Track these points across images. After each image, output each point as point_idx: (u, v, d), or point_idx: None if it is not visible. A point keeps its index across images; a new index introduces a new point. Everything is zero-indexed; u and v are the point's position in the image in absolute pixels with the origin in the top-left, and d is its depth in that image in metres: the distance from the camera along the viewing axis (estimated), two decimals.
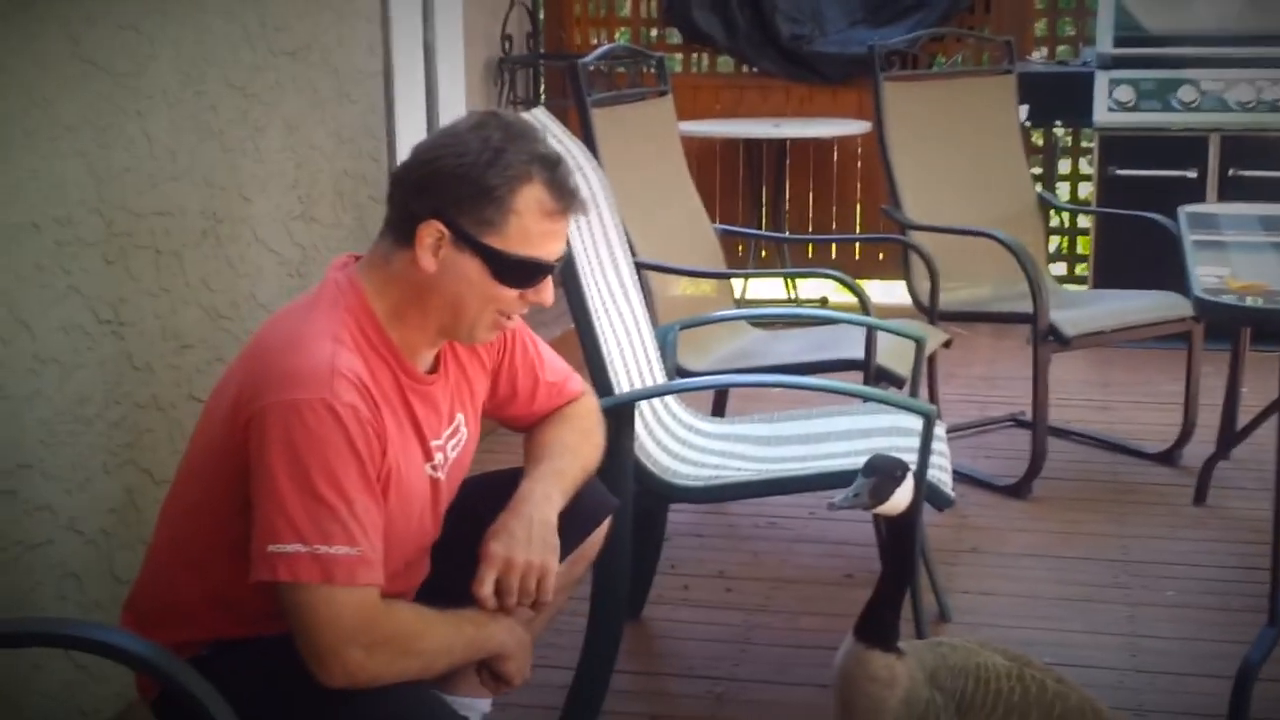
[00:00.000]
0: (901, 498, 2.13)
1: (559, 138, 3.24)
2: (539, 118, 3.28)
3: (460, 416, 2.23)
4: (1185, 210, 4.11)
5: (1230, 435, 4.20)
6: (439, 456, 2.17)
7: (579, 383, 2.48)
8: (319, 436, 1.93)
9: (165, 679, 1.78)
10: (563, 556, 2.22)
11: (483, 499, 2.24)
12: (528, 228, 2.06)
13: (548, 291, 2.13)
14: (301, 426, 1.93)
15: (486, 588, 2.09)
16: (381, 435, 2.01)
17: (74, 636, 1.92)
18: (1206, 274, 3.27)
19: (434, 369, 2.19)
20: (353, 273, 2.13)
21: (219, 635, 2.09)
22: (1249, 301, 3.09)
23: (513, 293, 2.10)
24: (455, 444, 2.22)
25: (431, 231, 2.04)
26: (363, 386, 2.00)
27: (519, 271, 2.08)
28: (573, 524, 2.31)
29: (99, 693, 2.86)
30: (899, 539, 2.19)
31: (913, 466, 2.87)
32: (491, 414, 2.38)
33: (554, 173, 2.08)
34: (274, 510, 1.92)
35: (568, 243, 2.20)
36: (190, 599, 2.11)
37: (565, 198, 2.09)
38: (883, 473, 2.13)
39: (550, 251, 2.10)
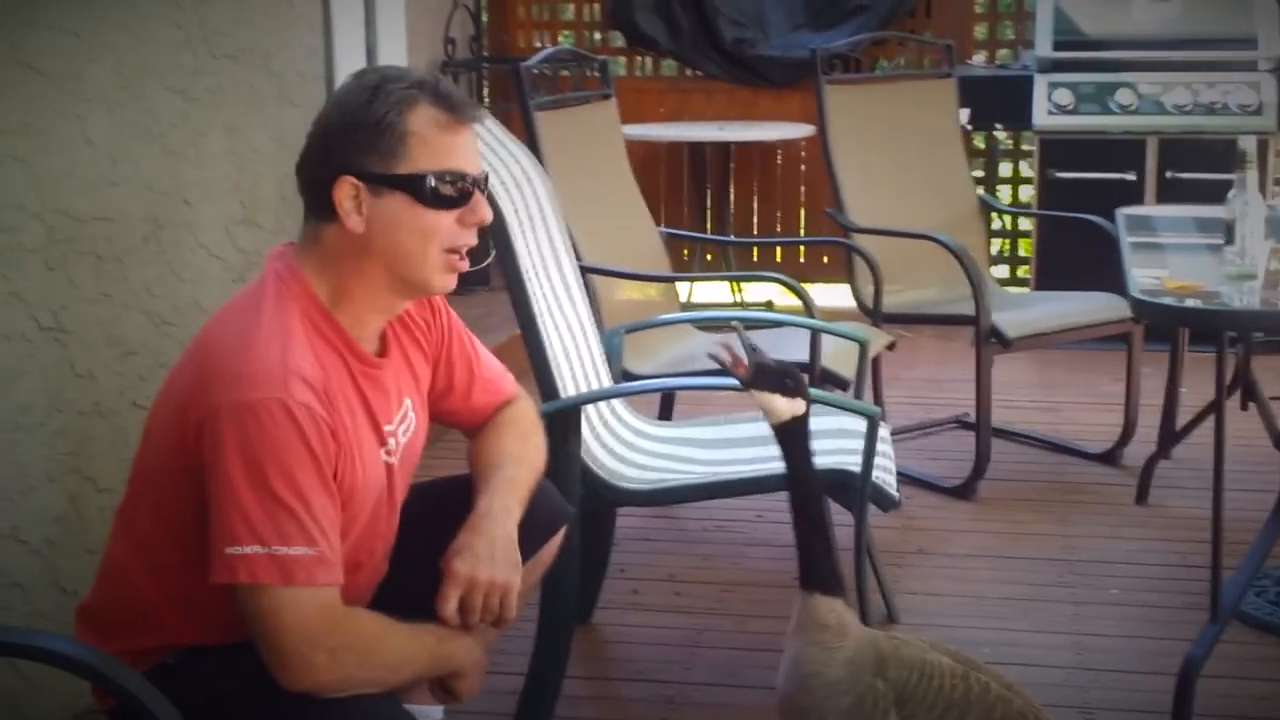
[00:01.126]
0: (778, 403, 2.10)
1: (502, 141, 3.24)
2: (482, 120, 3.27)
3: (408, 401, 2.21)
4: (1123, 212, 4.16)
5: (1170, 435, 4.25)
6: (391, 442, 2.15)
7: (513, 384, 2.46)
8: (274, 437, 1.91)
9: (118, 691, 1.76)
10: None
11: (434, 509, 2.22)
12: (429, 142, 2.03)
13: (483, 208, 2.10)
14: (256, 427, 1.91)
15: (451, 606, 2.07)
16: (336, 432, 1.99)
17: (28, 646, 1.89)
18: (1144, 275, 3.31)
19: (382, 352, 2.17)
20: (291, 261, 2.10)
21: (182, 641, 2.07)
22: (1186, 302, 3.13)
23: (448, 217, 2.06)
24: (405, 429, 2.19)
25: (345, 190, 2.02)
26: (316, 382, 1.98)
27: (442, 191, 2.05)
28: (529, 532, 2.29)
29: (44, 704, 2.83)
30: (791, 473, 2.15)
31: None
32: (431, 408, 2.35)
33: (436, 88, 2.05)
34: (231, 512, 1.91)
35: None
36: (150, 604, 2.08)
37: (456, 106, 2.06)
38: (781, 371, 2.09)
39: (466, 164, 2.07)
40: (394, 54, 5.34)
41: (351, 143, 2.02)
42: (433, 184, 2.04)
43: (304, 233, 2.11)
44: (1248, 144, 3.49)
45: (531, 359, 3.03)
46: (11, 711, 2.76)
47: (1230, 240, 3.37)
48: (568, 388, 3.06)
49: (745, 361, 2.11)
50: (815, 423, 3.25)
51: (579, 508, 2.88)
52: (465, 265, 2.13)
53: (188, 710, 1.84)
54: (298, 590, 1.91)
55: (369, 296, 2.09)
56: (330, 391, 2.01)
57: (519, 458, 2.32)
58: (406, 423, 2.20)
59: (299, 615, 1.92)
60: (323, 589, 1.94)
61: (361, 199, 2.03)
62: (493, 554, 2.11)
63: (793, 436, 2.15)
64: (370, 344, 2.14)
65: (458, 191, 2.06)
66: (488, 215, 2.11)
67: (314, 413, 1.95)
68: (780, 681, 2.15)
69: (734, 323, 2.21)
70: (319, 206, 2.06)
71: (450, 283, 2.14)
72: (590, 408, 3.14)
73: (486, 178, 2.13)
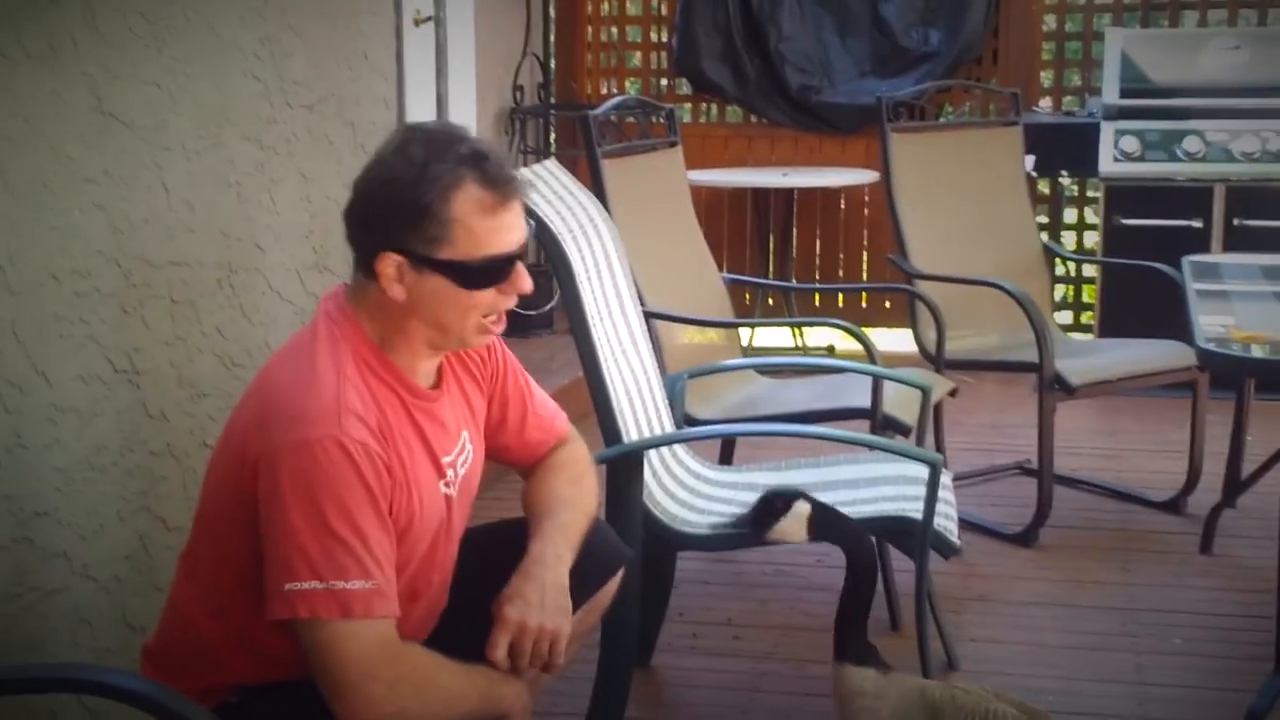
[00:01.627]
0: (788, 526, 2.16)
1: (569, 188, 3.29)
2: (550, 169, 3.33)
3: (465, 434, 2.25)
4: (1189, 260, 4.15)
5: (1235, 484, 4.22)
6: (450, 474, 2.19)
7: (566, 422, 2.50)
8: (330, 474, 1.96)
9: None
10: (576, 606, 2.24)
11: (489, 553, 2.26)
12: (474, 229, 2.05)
13: (523, 280, 2.13)
14: (313, 465, 1.96)
15: (500, 651, 2.11)
16: (392, 467, 2.04)
17: (96, 682, 1.94)
18: (1210, 323, 3.31)
19: (436, 384, 2.21)
20: (343, 302, 2.15)
21: (243, 680, 2.12)
22: (1253, 352, 3.12)
23: (488, 293, 2.11)
24: (464, 460, 2.24)
25: (388, 263, 2.06)
26: (372, 420, 2.02)
27: (483, 274, 2.08)
28: (586, 574, 2.33)
29: None
30: (848, 553, 2.21)
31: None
32: (484, 442, 2.39)
33: (483, 168, 2.06)
34: (289, 548, 1.95)
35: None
36: (212, 644, 2.13)
37: (501, 187, 2.07)
38: (766, 505, 2.21)
39: (507, 243, 2.09)
40: (464, 102, 5.44)
41: (394, 221, 2.05)
42: (476, 270, 2.07)
43: (354, 277, 2.16)
44: None
45: (595, 402, 3.07)
46: None
47: None
48: (630, 432, 3.09)
49: (748, 528, 2.27)
50: (876, 470, 3.32)
51: (640, 551, 2.91)
52: (501, 327, 2.18)
53: None
54: (355, 623, 1.95)
55: (411, 346, 2.14)
56: (385, 427, 2.05)
57: (571, 502, 2.35)
58: (465, 455, 2.24)
59: (357, 647, 1.96)
60: (379, 621, 1.98)
61: (404, 272, 2.07)
62: (543, 601, 2.14)
63: (826, 529, 2.21)
64: (426, 379, 2.19)
65: (499, 271, 2.10)
66: (528, 287, 2.14)
67: (369, 449, 1.99)
68: None
69: None
70: (364, 267, 2.10)
71: (487, 340, 2.21)
72: (653, 452, 3.17)
73: (524, 247, 2.14)
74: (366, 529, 1.97)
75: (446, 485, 2.19)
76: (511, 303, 2.15)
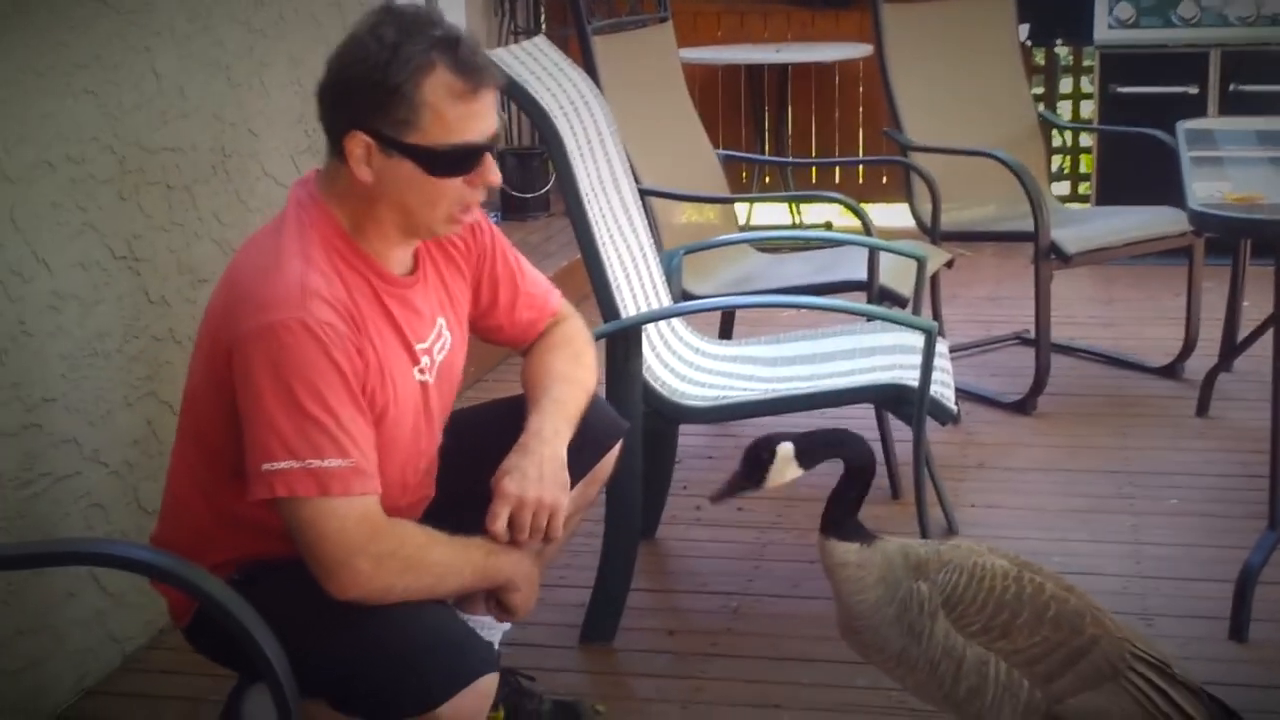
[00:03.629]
0: (779, 469, 2.24)
1: (560, 65, 3.27)
2: (539, 45, 3.31)
3: (442, 320, 2.25)
4: (1184, 126, 4.13)
5: (1231, 348, 4.25)
6: (425, 360, 2.19)
7: (559, 299, 2.50)
8: (298, 355, 1.97)
9: (197, 592, 1.84)
10: (575, 480, 2.26)
11: (487, 431, 2.28)
12: (444, 115, 2.03)
13: (492, 172, 2.11)
14: (280, 347, 1.97)
15: (500, 523, 2.13)
16: (362, 350, 2.05)
17: (109, 555, 1.98)
18: (1204, 188, 3.31)
19: (413, 272, 2.21)
20: (313, 188, 2.14)
21: (242, 556, 2.15)
22: (1245, 214, 3.13)
23: (455, 182, 2.09)
24: (441, 348, 2.24)
25: (357, 143, 2.05)
26: (338, 302, 2.03)
27: (451, 162, 2.07)
28: (584, 448, 2.35)
29: (130, 619, 2.94)
30: (844, 458, 2.26)
31: (914, 378, 2.93)
32: (475, 324, 2.39)
33: (456, 53, 2.04)
34: (264, 430, 1.97)
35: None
36: (206, 524, 2.17)
37: (473, 75, 2.05)
38: (752, 461, 2.27)
39: (477, 131, 2.07)
40: None
41: (365, 101, 2.03)
42: (444, 156, 2.05)
43: (327, 161, 2.15)
44: None
45: (592, 280, 3.08)
46: (97, 627, 2.87)
47: None
48: (628, 308, 3.11)
49: (738, 487, 2.30)
50: (873, 340, 3.34)
51: (641, 426, 2.94)
52: (471, 217, 2.17)
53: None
54: (335, 500, 1.98)
55: (381, 231, 2.13)
56: (355, 312, 2.06)
57: (570, 378, 2.36)
58: (442, 341, 2.24)
59: (339, 524, 1.98)
60: (360, 498, 2.00)
61: (371, 154, 2.05)
62: (541, 474, 2.16)
63: (813, 455, 2.27)
64: (399, 265, 2.18)
65: (467, 160, 2.08)
66: (496, 179, 2.12)
67: (336, 329, 2.00)
68: (837, 613, 2.26)
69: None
70: (333, 147, 2.09)
71: (455, 229, 2.19)
72: (651, 327, 3.19)
73: (495, 138, 2.12)
74: (339, 408, 1.99)
75: (421, 372, 2.19)
76: (480, 195, 2.14)
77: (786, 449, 2.25)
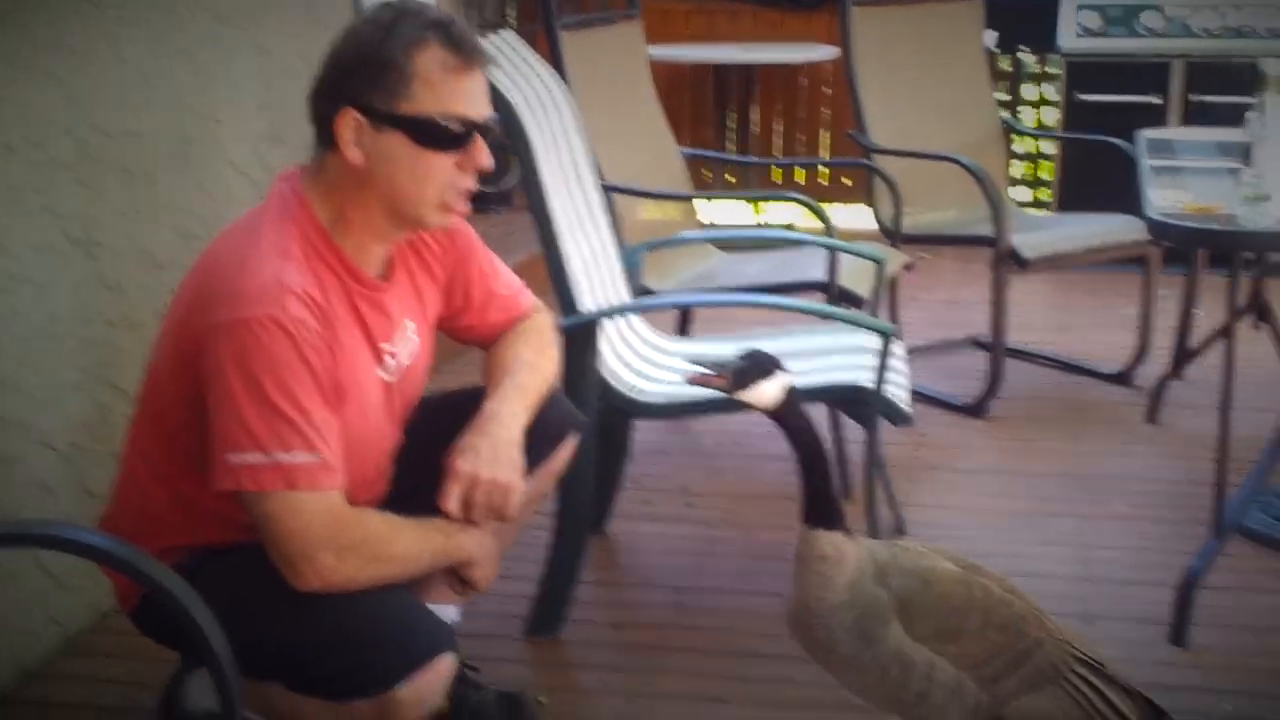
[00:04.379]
0: (766, 391, 2.15)
1: (527, 60, 3.29)
2: (507, 40, 3.32)
3: (410, 324, 2.28)
4: (1144, 135, 4.18)
5: (1183, 355, 4.30)
6: (390, 361, 2.22)
7: (531, 298, 2.53)
8: (270, 351, 1.99)
9: (143, 578, 1.85)
10: (530, 470, 2.29)
11: (446, 417, 2.29)
12: (435, 86, 2.07)
13: (483, 154, 2.14)
14: (253, 342, 1.99)
15: (453, 503, 2.16)
16: (332, 347, 2.07)
17: (56, 537, 1.98)
18: (1163, 197, 3.35)
19: (386, 275, 2.23)
20: (297, 184, 2.16)
21: (193, 543, 2.16)
22: (1201, 224, 3.17)
23: (446, 160, 2.11)
24: (408, 352, 2.27)
25: (348, 122, 2.07)
26: (310, 300, 2.04)
27: (441, 132, 2.09)
28: (540, 439, 2.37)
29: (71, 602, 2.93)
30: (791, 436, 2.23)
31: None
32: (446, 325, 2.42)
33: (449, 31, 2.09)
34: (231, 421, 1.99)
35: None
36: (160, 509, 2.18)
37: (466, 50, 2.10)
38: (753, 362, 2.16)
39: (469, 109, 2.11)
40: None
41: (359, 76, 2.07)
42: (433, 126, 2.08)
43: (313, 157, 2.17)
44: (1268, 66, 3.50)
45: (552, 275, 3.09)
46: (39, 610, 2.87)
47: (1248, 163, 3.40)
48: (586, 303, 3.12)
49: (724, 381, 2.17)
50: (831, 340, 3.36)
51: (596, 420, 2.96)
52: (463, 208, 2.19)
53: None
54: (301, 494, 2.00)
55: (367, 224, 2.15)
56: (327, 309, 2.07)
57: (531, 365, 2.39)
58: (409, 345, 2.27)
59: (304, 519, 2.00)
60: (326, 493, 2.02)
61: (362, 132, 2.08)
62: (495, 455, 2.19)
63: (791, 407, 2.20)
64: (373, 267, 2.20)
65: (458, 135, 2.11)
66: (487, 161, 2.15)
67: (308, 327, 2.02)
68: (790, 605, 2.24)
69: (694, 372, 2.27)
70: (324, 134, 2.12)
71: (446, 221, 2.20)
72: (609, 323, 3.20)
73: (489, 123, 2.15)
74: (308, 404, 2.01)
75: (386, 372, 2.22)
76: (471, 182, 2.16)
77: (787, 379, 2.19)
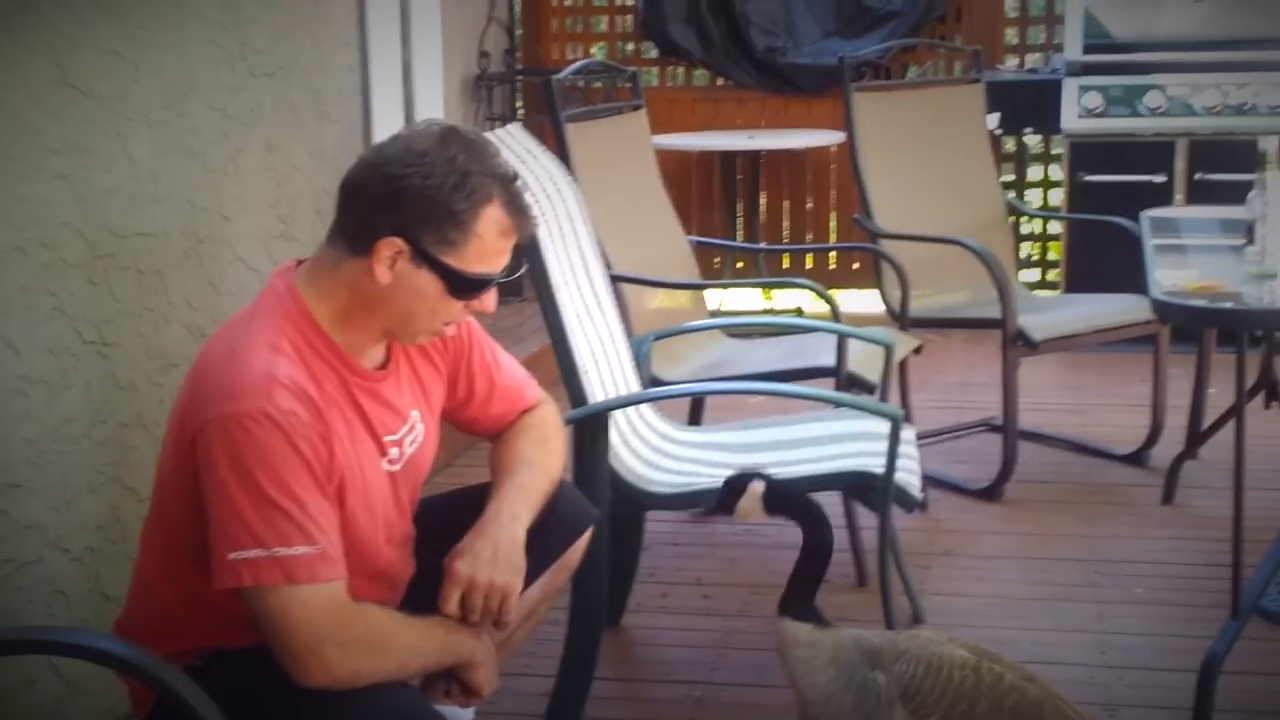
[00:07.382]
0: (745, 504, 2.32)
1: (533, 152, 3.31)
2: (512, 132, 3.35)
3: (415, 414, 2.28)
4: (1148, 215, 4.20)
5: (1196, 435, 4.28)
6: (394, 451, 2.22)
7: (536, 391, 2.53)
8: (263, 445, 1.99)
9: (157, 684, 1.83)
10: (543, 567, 2.29)
11: (451, 519, 2.29)
12: (486, 247, 2.13)
13: (491, 300, 2.20)
14: (245, 437, 1.99)
15: (451, 605, 2.15)
16: (326, 438, 2.06)
17: (73, 644, 1.97)
18: (1168, 276, 3.36)
19: (384, 365, 2.25)
20: (291, 279, 2.18)
21: (206, 645, 2.15)
22: (1204, 302, 3.17)
23: (459, 304, 2.17)
24: (412, 440, 2.27)
25: (391, 246, 2.09)
26: (301, 391, 2.05)
27: (470, 287, 2.15)
28: (553, 534, 2.37)
29: (89, 707, 2.91)
30: (800, 525, 2.29)
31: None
32: (450, 416, 2.43)
33: (511, 191, 2.14)
34: (228, 518, 1.99)
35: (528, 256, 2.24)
36: (172, 611, 2.17)
37: (520, 217, 2.16)
38: (728, 488, 2.35)
39: (500, 266, 2.18)
40: (430, 69, 5.43)
41: (421, 214, 2.09)
42: (467, 281, 2.14)
43: (324, 251, 2.18)
44: (1268, 144, 3.52)
45: (561, 367, 3.10)
46: (54, 715, 2.85)
47: (1251, 240, 3.41)
48: (596, 394, 3.12)
49: (718, 509, 2.42)
50: (841, 427, 3.36)
51: (608, 512, 2.95)
52: (449, 332, 2.27)
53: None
54: (302, 588, 1.99)
55: (365, 327, 2.18)
56: (321, 401, 2.08)
57: (534, 463, 2.39)
58: (414, 435, 2.28)
59: (306, 612, 1.99)
60: (327, 585, 2.01)
61: (399, 260, 2.10)
62: (495, 557, 2.18)
63: (778, 504, 2.33)
64: (371, 359, 2.22)
65: (483, 288, 2.17)
66: (492, 308, 2.22)
67: (299, 418, 2.02)
68: (795, 703, 2.28)
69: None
70: (356, 242, 2.12)
71: (427, 341, 2.29)
72: (619, 413, 3.21)
73: (505, 272, 2.21)
74: (304, 496, 2.01)
75: (390, 463, 2.22)
76: (467, 317, 2.26)
77: (757, 487, 2.32)
